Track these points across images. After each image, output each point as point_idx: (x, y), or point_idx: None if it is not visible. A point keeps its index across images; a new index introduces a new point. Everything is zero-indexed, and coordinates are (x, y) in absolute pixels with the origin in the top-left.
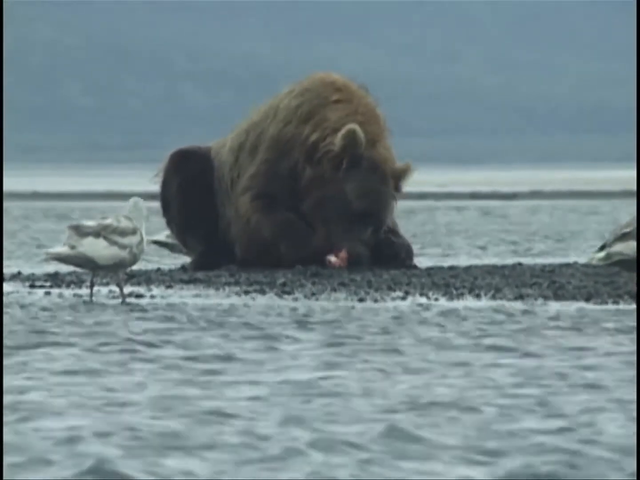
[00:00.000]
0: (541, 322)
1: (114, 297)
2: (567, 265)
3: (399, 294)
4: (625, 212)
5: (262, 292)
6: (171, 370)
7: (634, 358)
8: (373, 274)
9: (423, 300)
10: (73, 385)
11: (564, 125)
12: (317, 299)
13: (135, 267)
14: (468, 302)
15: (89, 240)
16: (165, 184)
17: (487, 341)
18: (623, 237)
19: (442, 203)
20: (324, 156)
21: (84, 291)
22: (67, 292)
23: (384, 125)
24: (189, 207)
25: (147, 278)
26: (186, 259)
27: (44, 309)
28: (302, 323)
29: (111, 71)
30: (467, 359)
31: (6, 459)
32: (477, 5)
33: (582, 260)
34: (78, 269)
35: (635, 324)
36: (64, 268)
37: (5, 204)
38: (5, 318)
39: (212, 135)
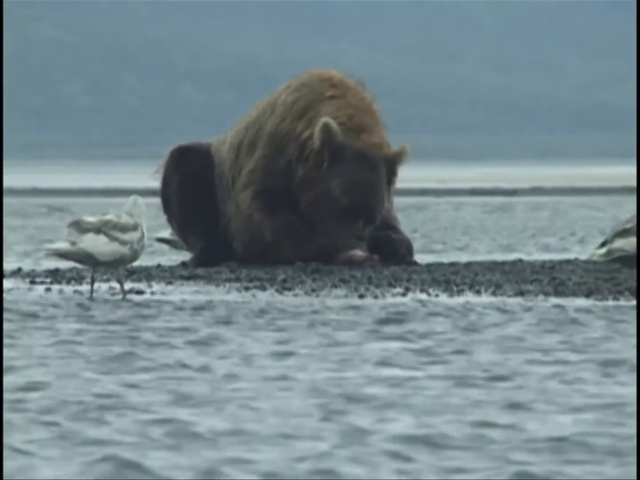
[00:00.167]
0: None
1: (114, 294)
2: (568, 261)
3: (400, 290)
4: (625, 209)
5: (263, 288)
6: (172, 368)
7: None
8: (373, 271)
9: (423, 296)
10: (72, 381)
11: (564, 123)
12: (317, 295)
13: (135, 263)
14: (469, 298)
15: (90, 236)
16: (165, 181)
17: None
18: (624, 233)
19: (443, 199)
20: (310, 154)
21: (85, 287)
22: (68, 289)
23: (379, 118)
24: (189, 204)
25: (147, 274)
26: (187, 255)
27: (44, 305)
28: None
29: (111, 71)
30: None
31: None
32: (477, 5)
33: (583, 256)
34: (78, 265)
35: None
36: (65, 264)
37: (5, 200)
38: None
39: (212, 135)
